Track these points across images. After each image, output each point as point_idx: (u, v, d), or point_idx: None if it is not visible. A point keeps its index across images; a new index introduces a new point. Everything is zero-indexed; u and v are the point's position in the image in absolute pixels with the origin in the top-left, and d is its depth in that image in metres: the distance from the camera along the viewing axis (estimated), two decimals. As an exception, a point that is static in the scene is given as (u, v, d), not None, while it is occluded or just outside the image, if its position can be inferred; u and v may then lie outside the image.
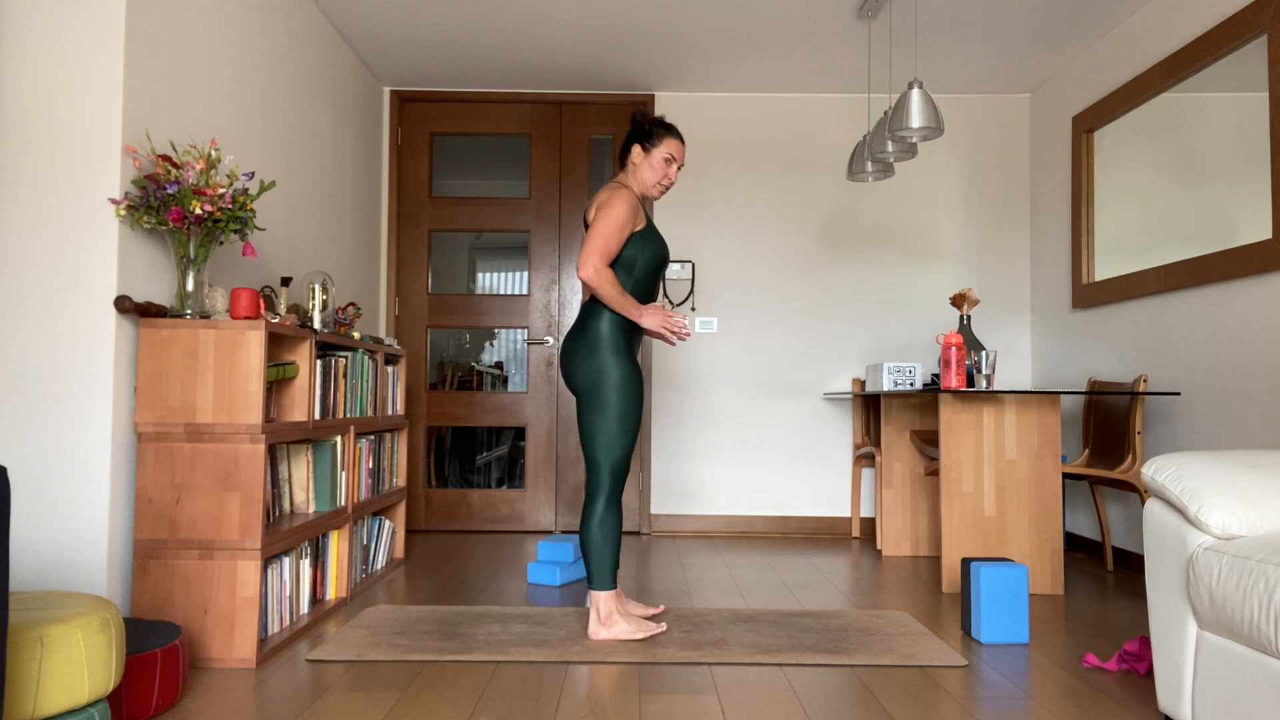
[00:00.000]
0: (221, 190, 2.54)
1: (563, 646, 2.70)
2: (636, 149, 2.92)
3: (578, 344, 2.83)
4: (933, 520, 4.50)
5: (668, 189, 2.96)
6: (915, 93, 3.51)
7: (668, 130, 2.92)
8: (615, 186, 2.86)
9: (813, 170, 5.16)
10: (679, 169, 2.97)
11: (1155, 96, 3.92)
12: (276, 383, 2.94)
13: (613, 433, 2.78)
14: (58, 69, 2.50)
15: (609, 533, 2.78)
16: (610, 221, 2.75)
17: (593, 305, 2.85)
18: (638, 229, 2.84)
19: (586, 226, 2.87)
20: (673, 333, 2.82)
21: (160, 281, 2.70)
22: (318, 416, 3.05)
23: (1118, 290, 4.13)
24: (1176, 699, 2.03)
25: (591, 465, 2.81)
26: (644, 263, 2.86)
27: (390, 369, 4.00)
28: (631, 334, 2.85)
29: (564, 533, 5.00)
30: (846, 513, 5.08)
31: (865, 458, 4.84)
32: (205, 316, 2.61)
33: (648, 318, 2.80)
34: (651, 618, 3.01)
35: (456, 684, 2.38)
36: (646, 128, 2.92)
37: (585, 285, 2.75)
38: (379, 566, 3.85)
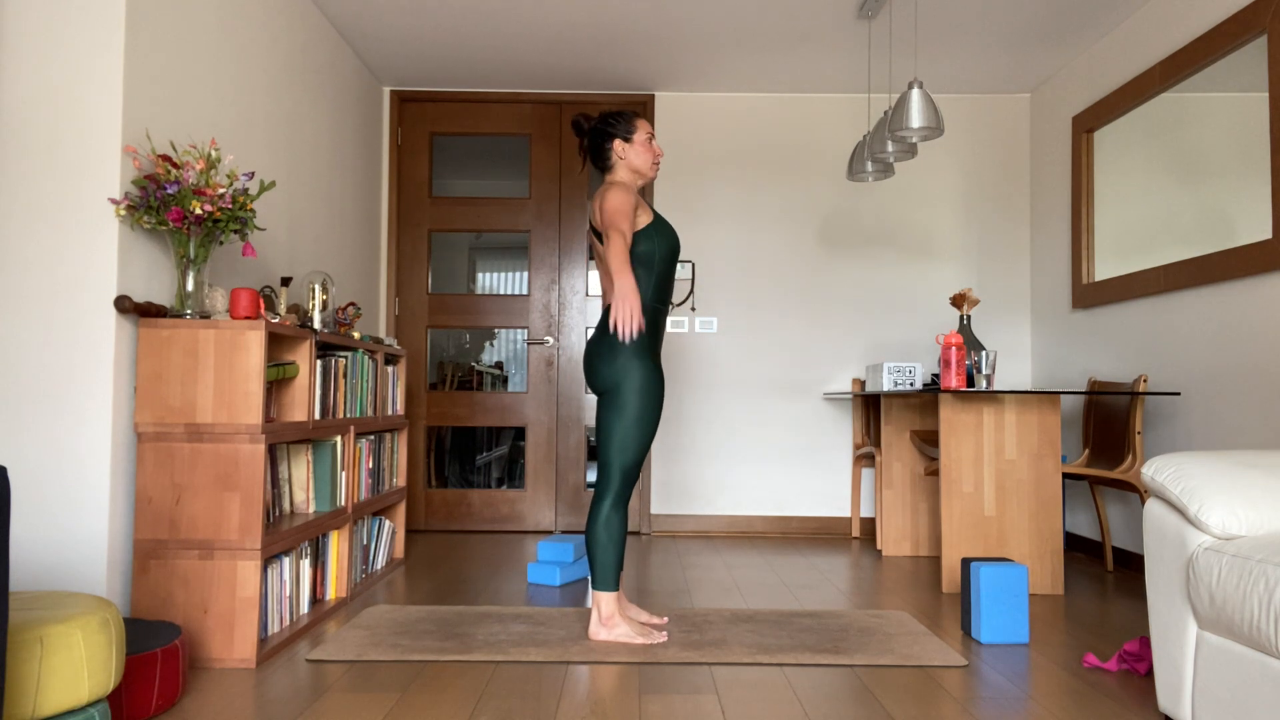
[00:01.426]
0: (221, 190, 2.54)
1: (563, 646, 2.70)
2: (618, 144, 2.90)
3: (600, 346, 2.82)
4: (933, 520, 4.50)
5: (659, 162, 2.97)
6: (915, 93, 3.51)
7: (634, 115, 2.94)
8: (609, 185, 2.84)
9: (813, 170, 5.16)
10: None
11: (1155, 96, 3.93)
12: (276, 383, 2.94)
13: (627, 434, 2.77)
14: (58, 69, 2.50)
15: (613, 533, 2.78)
16: (622, 207, 2.74)
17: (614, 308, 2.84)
18: (647, 223, 2.83)
19: (594, 232, 2.86)
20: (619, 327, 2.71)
21: (160, 281, 2.70)
22: (318, 416, 3.05)
23: (1118, 290, 4.13)
24: (1176, 699, 2.03)
25: (603, 465, 2.81)
26: (661, 255, 2.85)
27: (390, 369, 4.00)
28: (654, 336, 2.85)
29: (564, 533, 5.00)
30: (846, 513, 5.08)
31: (865, 458, 4.84)
32: (205, 316, 2.61)
33: (625, 305, 2.61)
34: (654, 627, 2.99)
35: (456, 684, 2.38)
36: (616, 122, 2.91)
37: (610, 245, 2.68)
38: (379, 566, 3.85)
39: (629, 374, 2.78)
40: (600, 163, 2.95)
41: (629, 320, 2.61)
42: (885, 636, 2.85)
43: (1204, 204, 3.59)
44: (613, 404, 2.79)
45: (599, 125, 2.93)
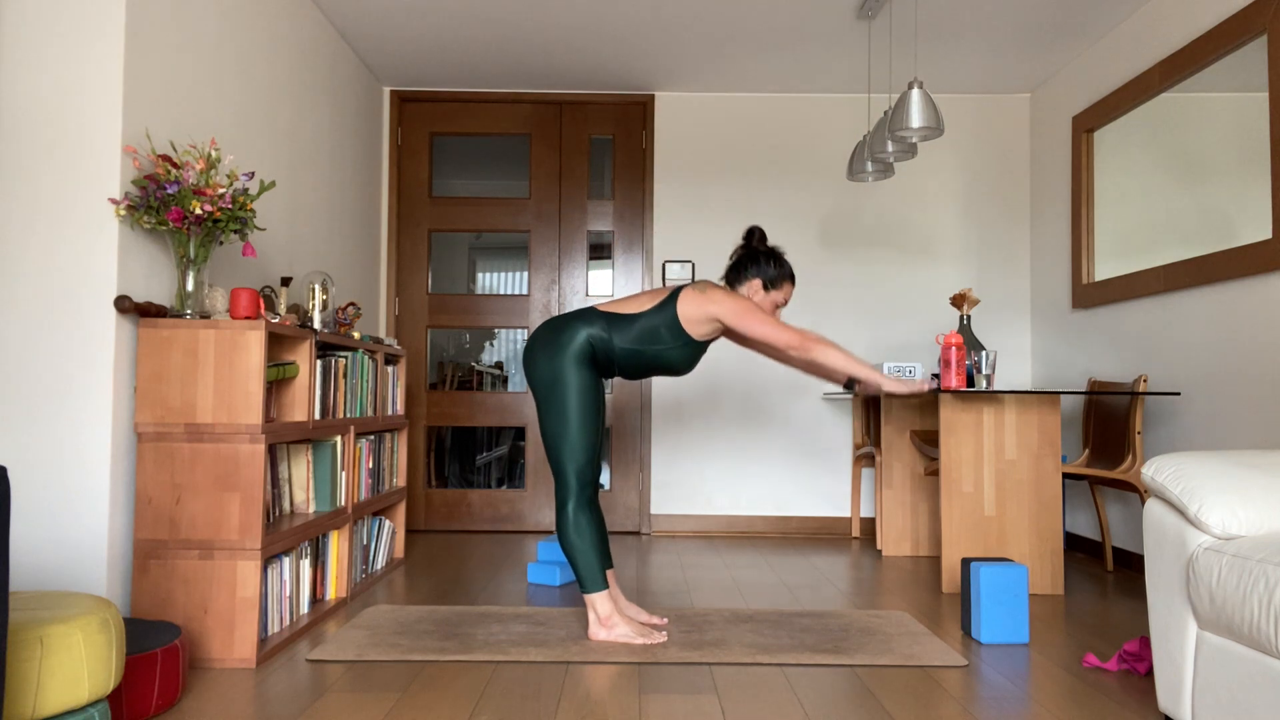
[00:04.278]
0: (221, 190, 2.54)
1: (563, 646, 2.70)
2: (758, 284, 2.86)
3: (548, 338, 2.80)
4: (933, 520, 4.50)
5: None
6: (915, 93, 3.51)
7: (790, 278, 2.90)
8: (730, 290, 2.81)
9: (813, 170, 5.16)
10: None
11: (1155, 96, 3.93)
12: (276, 383, 2.94)
13: (575, 439, 2.75)
14: (58, 69, 2.50)
15: (585, 534, 2.77)
16: (758, 310, 2.76)
17: (586, 314, 2.83)
18: (701, 339, 2.83)
19: (663, 304, 2.80)
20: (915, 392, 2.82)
21: (160, 281, 2.70)
22: (318, 416, 3.05)
23: (1118, 290, 4.13)
24: (1176, 699, 2.03)
25: (557, 472, 2.78)
26: (673, 357, 2.82)
27: (390, 369, 4.00)
28: (605, 366, 2.83)
29: (564, 533, 4.99)
30: (846, 513, 5.08)
31: (865, 458, 4.84)
32: (205, 316, 2.61)
33: (890, 381, 2.76)
34: (653, 627, 2.99)
35: (456, 684, 2.38)
36: (773, 269, 2.86)
37: (807, 353, 2.72)
38: (379, 566, 3.85)
39: (566, 378, 2.75)
40: (734, 274, 2.91)
41: (913, 389, 2.75)
42: (885, 636, 2.85)
43: (1204, 204, 3.59)
44: (553, 409, 2.76)
45: (766, 252, 2.88)
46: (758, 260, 2.88)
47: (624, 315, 2.81)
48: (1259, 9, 3.23)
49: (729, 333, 2.96)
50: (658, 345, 2.80)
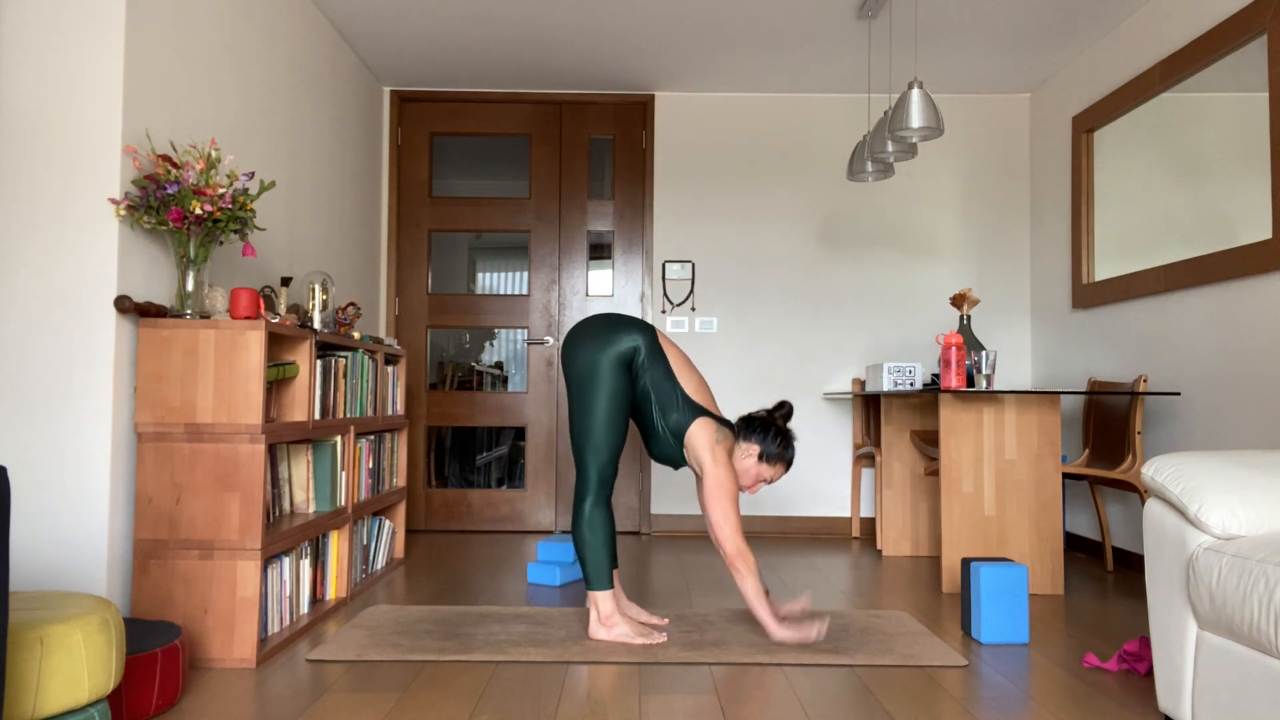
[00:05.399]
0: (221, 190, 2.54)
1: (563, 646, 2.70)
2: (756, 450, 2.90)
3: (599, 333, 2.82)
4: (933, 520, 4.50)
5: (746, 489, 3.00)
6: (915, 93, 3.51)
7: (787, 464, 2.94)
8: (724, 458, 2.81)
9: (813, 170, 5.16)
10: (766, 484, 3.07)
11: (1155, 96, 3.93)
12: (276, 383, 2.94)
13: (600, 438, 2.78)
14: (58, 69, 2.50)
15: (599, 532, 2.78)
16: (730, 487, 2.79)
17: (646, 328, 2.86)
18: (690, 461, 2.88)
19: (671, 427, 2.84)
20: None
21: (160, 281, 2.70)
22: (318, 416, 3.05)
23: (1118, 290, 4.13)
24: (1176, 699, 2.03)
25: (580, 467, 2.82)
26: (660, 426, 2.86)
27: (390, 369, 4.00)
28: (637, 382, 2.86)
29: (564, 533, 5.00)
30: (846, 513, 5.08)
31: (865, 458, 4.84)
32: (205, 316, 2.61)
33: (781, 631, 2.76)
34: (654, 627, 2.99)
35: (456, 684, 2.38)
36: (776, 448, 2.91)
37: (730, 565, 2.76)
38: (379, 566, 3.85)
39: (605, 374, 2.78)
40: (745, 427, 2.94)
41: (801, 638, 2.74)
42: (885, 636, 2.85)
43: (1204, 204, 3.59)
44: (585, 405, 2.79)
45: (780, 431, 2.93)
46: (769, 431, 2.93)
47: (671, 370, 2.86)
48: (1259, 9, 3.23)
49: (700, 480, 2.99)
50: (663, 419, 2.86)
